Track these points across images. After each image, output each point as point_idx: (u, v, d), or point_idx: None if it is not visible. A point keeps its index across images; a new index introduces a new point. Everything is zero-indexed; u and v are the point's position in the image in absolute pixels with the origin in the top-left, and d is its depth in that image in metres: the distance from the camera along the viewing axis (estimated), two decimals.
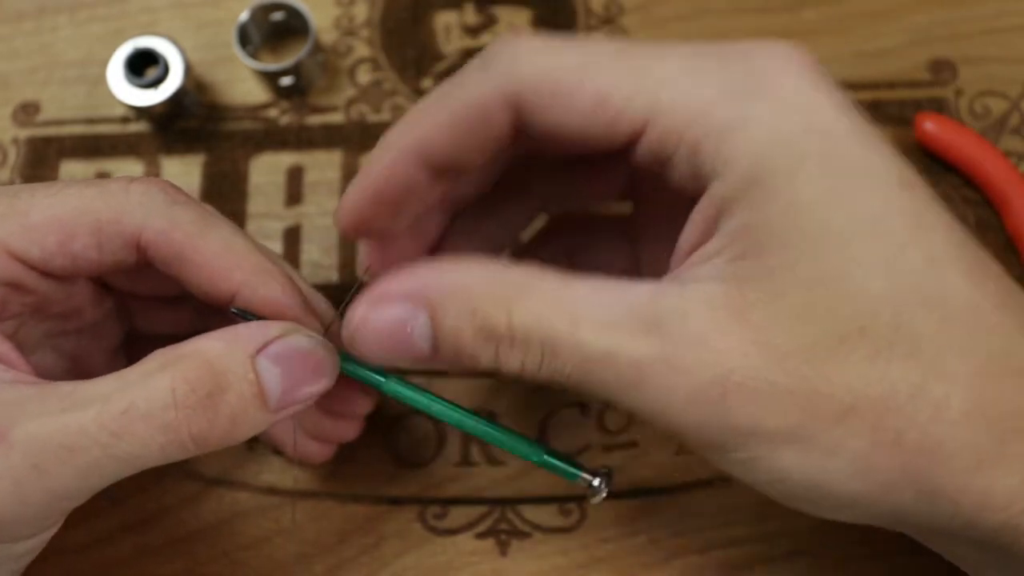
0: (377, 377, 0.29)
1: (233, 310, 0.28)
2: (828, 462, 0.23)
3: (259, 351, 0.26)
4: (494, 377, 0.36)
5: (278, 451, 0.36)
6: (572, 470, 0.29)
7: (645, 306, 0.24)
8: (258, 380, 0.26)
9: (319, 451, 0.34)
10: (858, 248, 0.23)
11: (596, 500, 0.30)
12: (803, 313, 0.23)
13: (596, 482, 0.29)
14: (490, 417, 0.36)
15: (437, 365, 0.26)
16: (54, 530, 0.27)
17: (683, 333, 0.23)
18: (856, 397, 0.23)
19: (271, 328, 0.26)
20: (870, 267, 0.23)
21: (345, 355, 0.28)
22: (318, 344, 0.27)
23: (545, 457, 0.29)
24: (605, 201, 0.32)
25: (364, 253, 0.31)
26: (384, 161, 0.28)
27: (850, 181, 0.23)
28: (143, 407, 0.24)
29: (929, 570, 0.33)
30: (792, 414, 0.23)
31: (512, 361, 0.24)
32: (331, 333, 0.29)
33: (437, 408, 0.29)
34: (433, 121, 0.27)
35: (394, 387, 0.29)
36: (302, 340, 0.27)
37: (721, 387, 0.23)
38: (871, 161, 0.24)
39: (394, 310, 0.25)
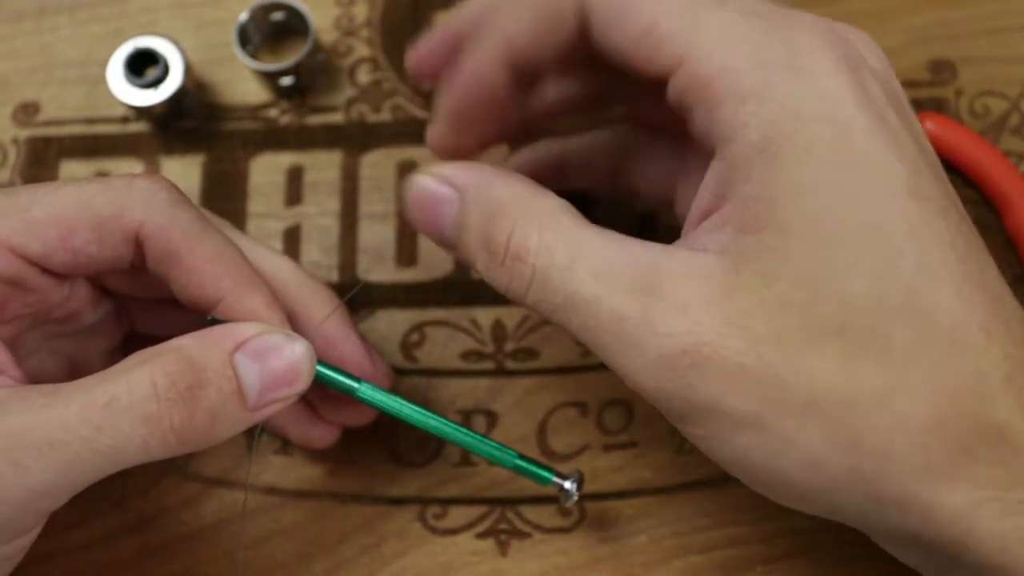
0: (351, 383, 0.29)
1: (208, 319, 0.28)
2: (783, 452, 0.23)
3: (237, 348, 0.26)
4: (495, 375, 0.37)
5: (277, 451, 0.36)
6: (544, 474, 0.30)
7: (645, 266, 0.24)
8: (236, 376, 0.26)
9: (325, 434, 0.34)
10: (851, 248, 0.23)
11: (569, 503, 0.30)
12: (787, 303, 0.23)
13: (567, 485, 0.30)
14: (490, 417, 0.36)
15: (462, 258, 0.27)
16: (32, 536, 0.27)
17: (669, 298, 0.24)
18: (819, 394, 0.23)
19: (247, 327, 0.27)
20: (859, 270, 0.23)
21: (319, 361, 0.28)
22: (295, 343, 0.27)
23: (517, 462, 0.30)
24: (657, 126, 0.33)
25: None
26: (474, 64, 0.29)
27: (855, 179, 0.23)
28: (125, 400, 0.25)
29: None
30: (753, 399, 0.23)
31: (500, 278, 0.26)
32: (311, 334, 0.30)
33: (411, 414, 0.29)
34: (514, 18, 0.28)
35: (367, 393, 0.29)
36: (279, 338, 0.27)
37: (690, 358, 0.23)
38: (882, 164, 0.24)
39: (437, 188, 0.27)
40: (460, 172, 0.27)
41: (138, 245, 0.28)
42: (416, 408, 0.30)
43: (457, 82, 0.29)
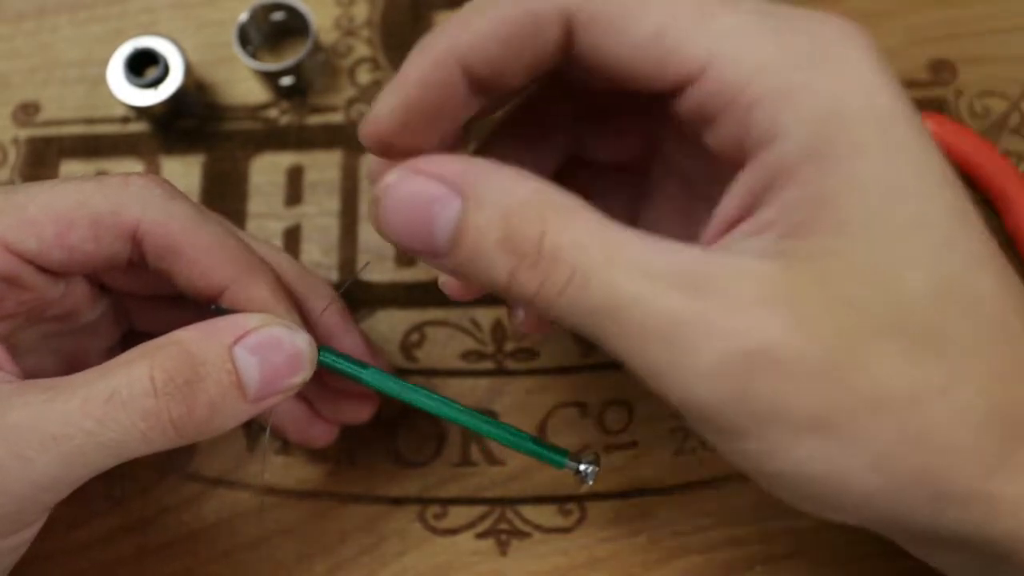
0: (357, 369, 0.29)
1: (213, 307, 0.28)
2: (850, 454, 0.22)
3: (236, 341, 0.26)
4: (495, 375, 0.37)
5: (277, 452, 0.36)
6: (559, 457, 0.30)
7: (690, 264, 0.22)
8: (235, 369, 0.26)
9: (323, 433, 0.34)
10: (906, 243, 0.23)
11: (585, 487, 0.30)
12: (849, 302, 0.22)
13: (583, 467, 0.29)
14: (490, 416, 0.36)
15: (444, 267, 0.24)
16: (35, 530, 0.27)
17: (727, 297, 0.22)
18: (885, 391, 0.22)
19: (249, 319, 0.27)
20: (914, 263, 0.22)
21: (325, 347, 0.28)
22: (296, 335, 0.27)
23: (531, 445, 0.30)
24: (621, 158, 0.31)
25: (375, 165, 0.28)
26: (423, 64, 0.25)
27: (901, 172, 0.23)
28: (125, 394, 0.25)
29: (929, 569, 0.33)
30: (820, 401, 0.22)
31: (530, 282, 0.23)
32: (312, 325, 0.30)
33: (420, 399, 0.29)
34: (480, 26, 0.24)
35: (375, 378, 0.29)
36: (280, 331, 0.27)
37: (752, 360, 0.22)
38: (920, 153, 0.23)
39: (428, 186, 0.23)
40: (452, 166, 0.23)
41: (136, 242, 0.28)
42: (424, 392, 0.29)
43: (405, 83, 0.25)
